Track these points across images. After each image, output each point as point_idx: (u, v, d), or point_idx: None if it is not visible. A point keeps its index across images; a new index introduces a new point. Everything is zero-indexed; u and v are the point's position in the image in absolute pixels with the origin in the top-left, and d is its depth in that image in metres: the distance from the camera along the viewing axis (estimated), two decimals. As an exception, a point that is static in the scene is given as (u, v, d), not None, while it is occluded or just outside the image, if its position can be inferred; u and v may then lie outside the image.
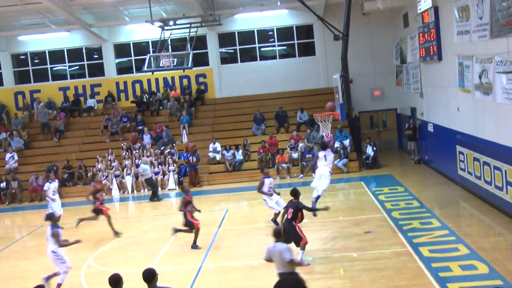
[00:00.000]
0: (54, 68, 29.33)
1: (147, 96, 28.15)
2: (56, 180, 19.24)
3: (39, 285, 8.09)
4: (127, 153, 24.70)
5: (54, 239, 11.33)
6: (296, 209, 12.32)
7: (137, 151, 24.70)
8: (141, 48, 28.42)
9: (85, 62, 29.05)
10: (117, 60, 28.96)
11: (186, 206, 14.50)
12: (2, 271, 14.16)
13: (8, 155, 25.39)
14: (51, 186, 18.01)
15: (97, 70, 29.02)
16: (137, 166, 23.07)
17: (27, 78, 29.21)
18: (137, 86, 28.37)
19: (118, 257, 14.14)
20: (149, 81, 28.31)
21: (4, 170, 24.66)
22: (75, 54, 28.93)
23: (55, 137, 26.86)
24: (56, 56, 28.97)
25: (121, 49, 28.90)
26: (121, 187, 23.61)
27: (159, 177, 23.35)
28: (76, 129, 27.67)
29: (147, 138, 25.49)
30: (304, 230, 13.20)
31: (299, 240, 12.26)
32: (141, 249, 14.70)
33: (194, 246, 14.22)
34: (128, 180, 23.51)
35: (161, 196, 21.73)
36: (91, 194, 16.71)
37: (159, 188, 22.98)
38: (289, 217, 12.34)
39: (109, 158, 24.46)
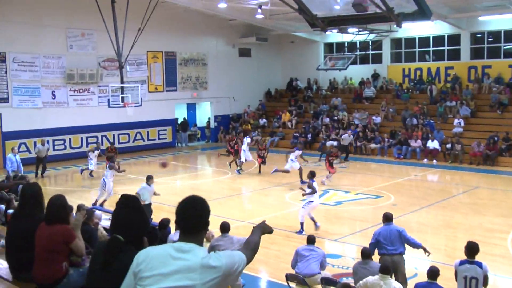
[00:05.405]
0: (505, 47, 32.15)
1: None
2: None
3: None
4: None
5: None
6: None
7: None
8: None
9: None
10: None
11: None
12: (437, 218, 17.55)
13: (456, 121, 30.45)
14: None
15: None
16: None
17: (480, 54, 33.07)
18: None
19: None
20: None
21: (451, 133, 29.92)
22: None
23: (498, 110, 30.24)
24: (510, 35, 31.55)
25: None
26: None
27: None
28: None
29: None
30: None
31: None
32: None
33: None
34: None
35: None
36: None
37: None
38: None
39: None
